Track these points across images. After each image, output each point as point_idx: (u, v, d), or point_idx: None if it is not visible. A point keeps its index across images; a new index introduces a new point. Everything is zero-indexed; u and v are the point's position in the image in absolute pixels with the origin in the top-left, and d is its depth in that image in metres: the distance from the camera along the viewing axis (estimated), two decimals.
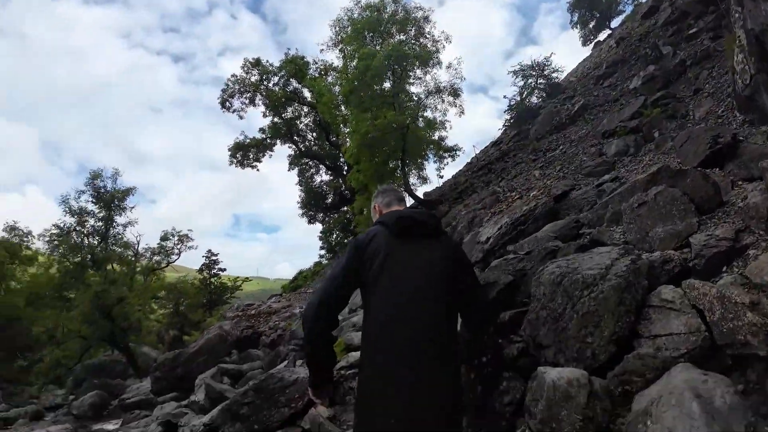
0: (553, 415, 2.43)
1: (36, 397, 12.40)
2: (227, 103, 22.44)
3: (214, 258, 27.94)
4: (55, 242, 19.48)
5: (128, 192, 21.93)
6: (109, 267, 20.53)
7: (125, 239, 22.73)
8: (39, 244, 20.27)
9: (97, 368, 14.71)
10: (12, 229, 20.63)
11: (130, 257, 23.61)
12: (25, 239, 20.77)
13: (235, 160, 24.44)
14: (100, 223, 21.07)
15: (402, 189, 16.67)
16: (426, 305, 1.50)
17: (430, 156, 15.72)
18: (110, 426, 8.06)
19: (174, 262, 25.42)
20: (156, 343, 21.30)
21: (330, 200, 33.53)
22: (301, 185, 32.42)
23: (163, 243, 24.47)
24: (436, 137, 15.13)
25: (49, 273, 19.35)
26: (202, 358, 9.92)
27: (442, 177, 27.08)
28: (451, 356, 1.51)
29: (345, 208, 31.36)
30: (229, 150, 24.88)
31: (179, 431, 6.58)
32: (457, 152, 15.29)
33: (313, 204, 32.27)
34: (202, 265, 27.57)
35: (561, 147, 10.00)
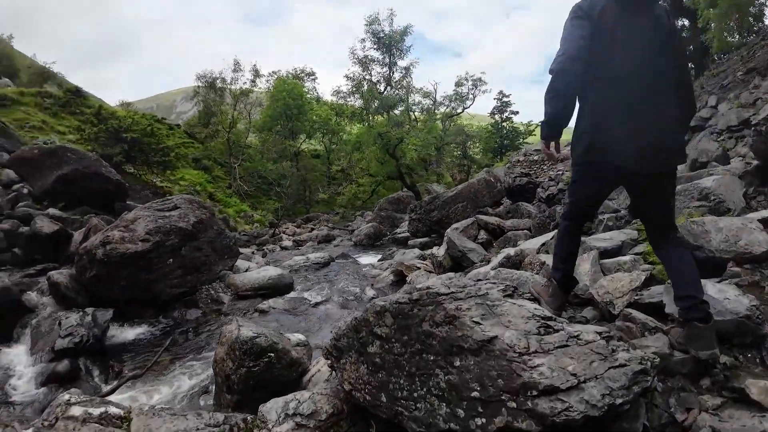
0: None
1: (349, 221, 15.27)
2: None
3: (505, 100, 25.81)
4: (366, 97, 21.80)
5: (405, 32, 21.49)
6: (398, 112, 21.78)
7: (423, 88, 23.45)
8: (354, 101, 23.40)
9: (394, 201, 16.62)
10: (336, 92, 24.18)
11: (429, 106, 24.82)
12: (348, 99, 24.16)
13: None
14: (385, 69, 22.05)
15: None
16: (654, 60, 1.97)
17: None
18: (367, 259, 8.42)
19: (468, 107, 25.43)
20: (452, 183, 22.69)
21: None
22: None
23: (458, 89, 24.29)
24: None
25: (364, 126, 22.41)
26: (461, 204, 8.78)
27: None
28: (673, 97, 2.02)
29: None
30: None
31: (407, 286, 5.79)
32: None
33: None
34: (494, 108, 26.11)
35: None
